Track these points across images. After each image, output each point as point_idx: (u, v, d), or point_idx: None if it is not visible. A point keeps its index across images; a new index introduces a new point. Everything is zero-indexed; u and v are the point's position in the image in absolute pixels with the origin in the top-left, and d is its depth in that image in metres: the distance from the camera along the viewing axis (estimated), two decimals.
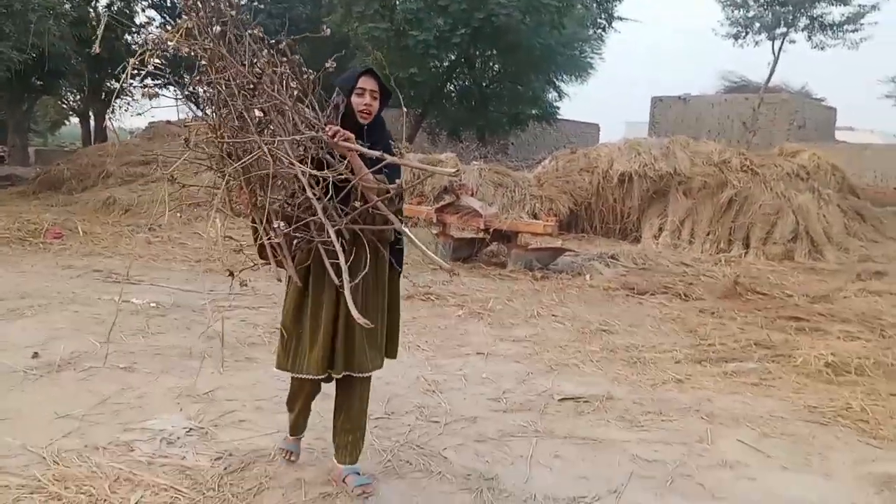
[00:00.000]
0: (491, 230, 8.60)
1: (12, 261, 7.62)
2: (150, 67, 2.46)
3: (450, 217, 8.77)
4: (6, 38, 14.52)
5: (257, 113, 2.44)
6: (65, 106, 30.60)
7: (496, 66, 24.30)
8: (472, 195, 11.49)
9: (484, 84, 23.84)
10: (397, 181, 2.62)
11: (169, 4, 27.54)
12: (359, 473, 2.89)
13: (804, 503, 2.98)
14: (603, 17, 27.03)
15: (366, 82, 2.71)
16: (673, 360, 5.00)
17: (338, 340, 2.70)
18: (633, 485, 3.06)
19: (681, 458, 3.35)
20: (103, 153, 13.58)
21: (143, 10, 26.82)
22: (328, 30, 3.28)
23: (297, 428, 3.10)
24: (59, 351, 4.58)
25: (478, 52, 23.53)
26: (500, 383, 4.39)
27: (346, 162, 2.50)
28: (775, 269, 9.71)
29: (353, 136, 2.52)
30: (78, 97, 27.69)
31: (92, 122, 28.00)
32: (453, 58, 23.05)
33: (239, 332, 5.25)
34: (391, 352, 2.97)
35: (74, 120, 32.40)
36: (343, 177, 2.44)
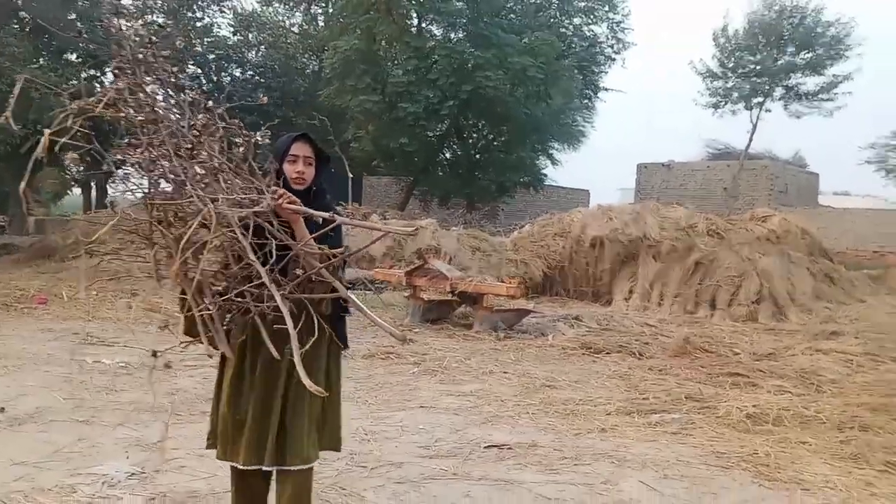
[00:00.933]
0: (457, 292, 8.98)
1: None
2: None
3: (419, 280, 9.16)
4: None
5: (197, 169, 2.36)
6: (67, 176, 31.44)
7: (485, 135, 25.20)
8: (448, 260, 11.96)
9: (473, 153, 24.66)
10: (344, 245, 2.49)
11: (173, 80, 28.77)
12: None
13: None
14: (590, 88, 28.11)
15: (299, 148, 2.62)
16: (605, 412, 5.30)
17: (271, 428, 2.55)
18: None
19: (580, 497, 3.65)
20: (96, 223, 14.10)
21: (148, 85, 27.98)
22: (265, 98, 3.43)
23: None
24: (24, 406, 4.91)
25: (467, 123, 24.47)
26: (434, 433, 4.70)
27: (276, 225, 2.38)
28: (737, 330, 9.99)
29: (298, 199, 2.44)
30: (80, 168, 28.52)
31: (93, 193, 28.81)
32: (444, 128, 23.97)
33: (199, 388, 5.57)
34: (333, 442, 2.78)
35: (77, 190, 33.26)
36: (283, 244, 2.35)
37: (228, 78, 30.65)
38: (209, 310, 2.35)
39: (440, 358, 7.10)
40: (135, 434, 4.44)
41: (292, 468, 2.57)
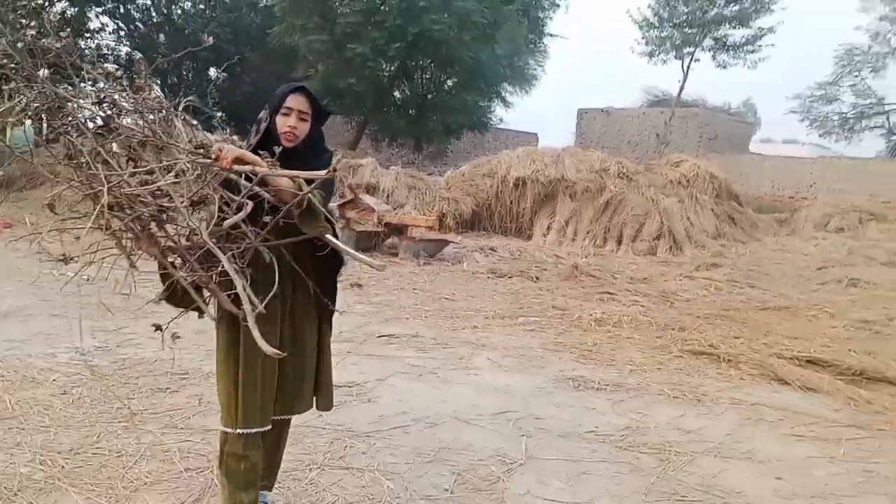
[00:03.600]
0: (384, 223, 10.14)
1: None
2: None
3: (350, 212, 10.28)
4: None
5: (115, 149, 2.10)
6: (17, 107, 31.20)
7: (433, 78, 25.96)
8: (386, 197, 13.11)
9: (421, 94, 25.45)
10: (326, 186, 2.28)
11: (122, 11, 28.73)
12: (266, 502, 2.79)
13: (499, 386, 4.57)
14: (535, 33, 28.89)
15: (294, 101, 2.36)
16: (483, 317, 6.59)
17: (276, 384, 2.43)
18: (394, 376, 4.63)
19: (437, 365, 4.93)
20: (50, 155, 14.75)
21: (97, 17, 27.84)
22: (210, 38, 3.18)
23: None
24: (5, 305, 5.97)
25: (415, 65, 25.17)
26: (340, 328, 5.89)
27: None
28: (633, 262, 11.42)
29: (242, 151, 2.13)
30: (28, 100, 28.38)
31: (44, 125, 28.83)
32: (393, 69, 24.65)
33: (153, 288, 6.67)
34: (323, 402, 2.66)
35: (28, 122, 33.06)
36: (252, 193, 2.08)
37: (179, 11, 30.59)
38: (192, 278, 2.18)
39: (361, 277, 8.29)
40: (98, 324, 5.56)
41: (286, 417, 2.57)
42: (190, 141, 2.18)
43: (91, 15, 27.20)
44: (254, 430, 2.39)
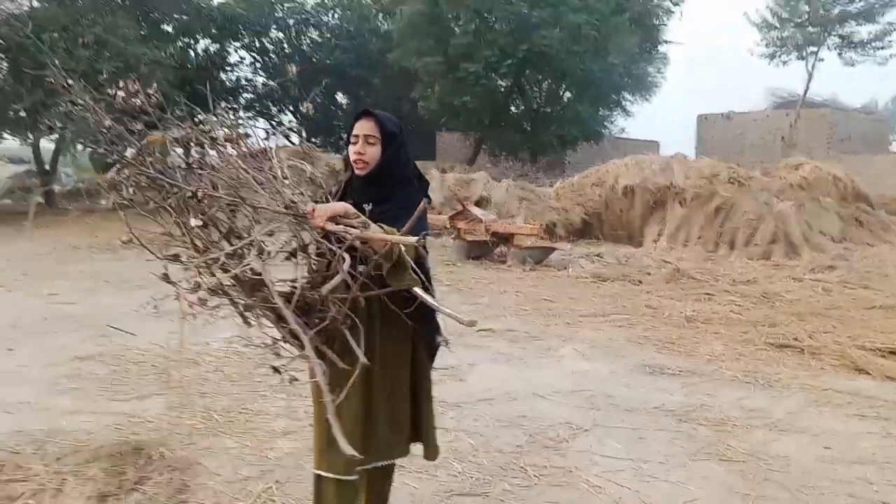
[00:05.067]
0: (491, 233, 10.80)
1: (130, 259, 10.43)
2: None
3: (460, 223, 11.02)
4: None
5: (193, 222, 2.19)
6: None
7: (545, 92, 26.46)
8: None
9: (534, 108, 26.03)
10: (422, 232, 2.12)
11: (258, 45, 31.34)
12: None
13: (578, 370, 5.08)
14: (650, 41, 28.67)
15: (360, 127, 2.35)
16: (578, 315, 7.08)
17: (366, 428, 2.38)
18: (485, 362, 5.26)
19: (525, 354, 5.50)
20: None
21: (236, 51, 30.55)
22: (294, 67, 3.19)
23: None
24: (165, 307, 7.12)
25: (527, 80, 25.80)
26: (443, 324, 6.59)
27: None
28: (745, 265, 11.40)
29: (339, 206, 2.16)
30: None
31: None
32: (507, 85, 25.40)
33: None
34: (429, 451, 2.54)
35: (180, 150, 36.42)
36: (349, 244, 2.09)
37: (307, 41, 32.92)
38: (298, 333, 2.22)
39: (469, 282, 8.99)
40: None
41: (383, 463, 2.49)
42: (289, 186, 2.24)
43: (230, 49, 29.83)
44: (338, 477, 2.36)
